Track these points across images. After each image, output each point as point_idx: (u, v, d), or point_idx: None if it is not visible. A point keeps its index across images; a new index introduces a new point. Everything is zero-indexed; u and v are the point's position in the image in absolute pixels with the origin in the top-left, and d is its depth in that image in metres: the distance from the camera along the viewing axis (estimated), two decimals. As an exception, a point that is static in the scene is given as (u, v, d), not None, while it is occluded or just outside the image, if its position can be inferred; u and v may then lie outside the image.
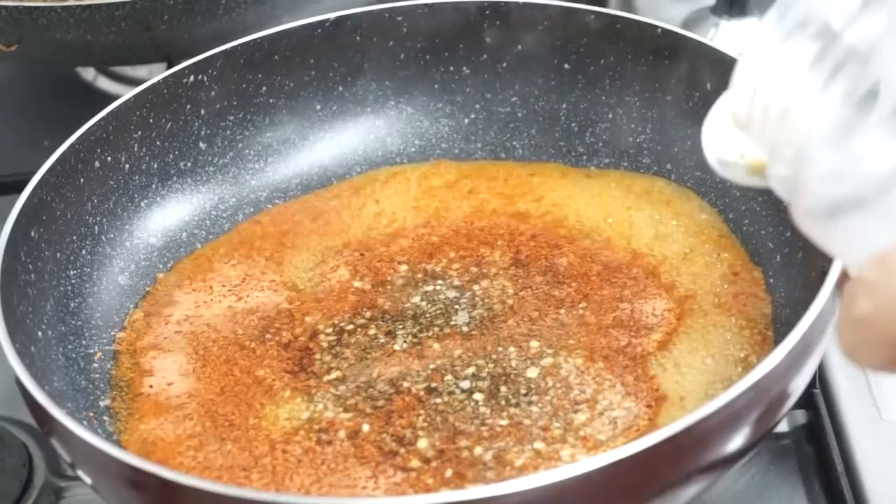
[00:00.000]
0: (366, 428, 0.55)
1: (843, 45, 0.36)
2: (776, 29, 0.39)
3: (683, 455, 0.46)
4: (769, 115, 0.39)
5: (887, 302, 0.33)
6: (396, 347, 0.60)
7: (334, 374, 0.58)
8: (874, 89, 0.36)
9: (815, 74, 0.37)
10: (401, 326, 0.61)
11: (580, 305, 0.61)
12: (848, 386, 0.62)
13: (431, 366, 0.58)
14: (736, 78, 0.41)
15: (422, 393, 0.56)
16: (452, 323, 0.61)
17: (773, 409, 0.49)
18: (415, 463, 0.53)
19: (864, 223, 0.36)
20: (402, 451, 0.53)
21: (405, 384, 0.57)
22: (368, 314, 0.62)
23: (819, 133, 0.36)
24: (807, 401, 0.61)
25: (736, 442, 0.47)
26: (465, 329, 0.60)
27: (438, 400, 0.56)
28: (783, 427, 0.62)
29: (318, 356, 0.60)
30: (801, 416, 0.62)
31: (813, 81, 0.37)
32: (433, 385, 0.57)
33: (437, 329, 0.61)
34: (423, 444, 0.54)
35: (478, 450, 0.53)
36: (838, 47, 0.36)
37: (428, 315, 0.62)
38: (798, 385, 0.50)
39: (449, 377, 0.57)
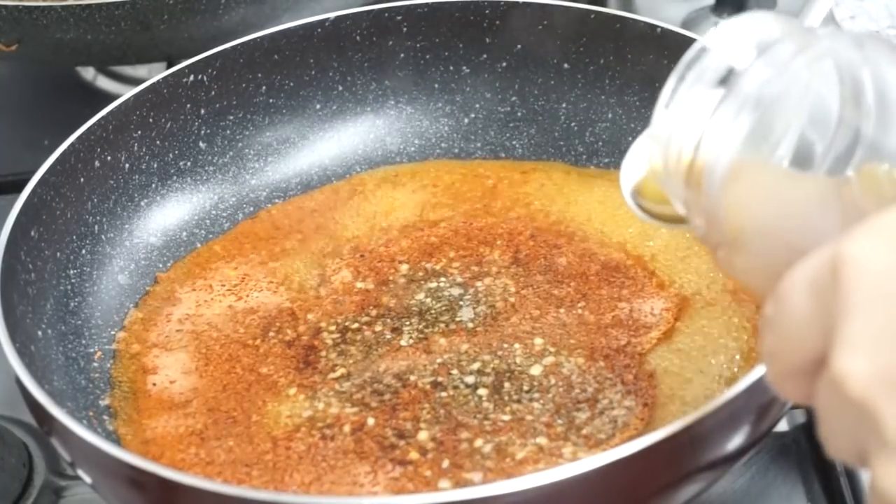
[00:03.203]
0: (371, 422, 0.55)
1: (742, 92, 0.37)
2: (684, 83, 0.40)
3: (683, 454, 0.46)
4: (681, 169, 0.40)
5: (783, 336, 0.34)
6: (403, 343, 0.60)
7: (339, 372, 0.58)
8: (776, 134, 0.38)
9: (718, 122, 0.38)
10: (407, 323, 0.61)
11: (579, 305, 0.61)
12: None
13: (438, 360, 0.58)
14: (652, 133, 0.42)
15: (428, 387, 0.57)
16: (457, 319, 0.61)
17: (773, 408, 0.49)
18: (413, 455, 0.53)
19: (769, 261, 0.38)
20: (402, 443, 0.54)
21: (412, 378, 0.57)
22: (374, 312, 0.62)
23: (721, 173, 0.37)
24: (806, 400, 0.61)
25: (735, 441, 0.48)
26: (470, 325, 0.60)
27: (444, 394, 0.56)
28: (783, 427, 0.62)
29: (323, 353, 0.60)
30: (800, 416, 0.62)
31: (716, 128, 0.38)
32: (439, 379, 0.57)
33: (442, 325, 0.61)
34: (423, 436, 0.54)
35: (478, 442, 0.53)
36: (737, 95, 0.37)
37: (433, 311, 0.62)
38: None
39: (455, 371, 0.57)
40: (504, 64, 0.74)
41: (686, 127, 0.40)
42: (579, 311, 0.61)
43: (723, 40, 0.39)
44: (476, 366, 0.58)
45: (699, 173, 0.39)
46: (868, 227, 0.32)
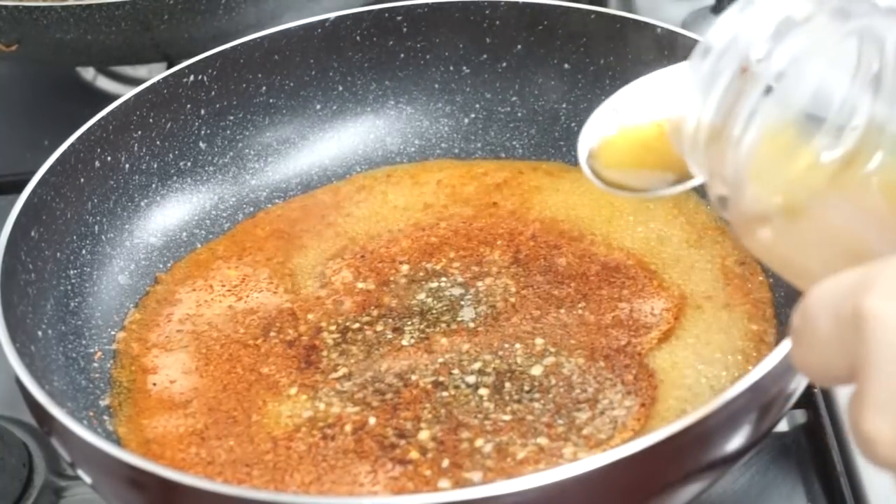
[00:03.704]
0: (372, 421, 0.55)
1: (771, 67, 0.37)
2: (704, 61, 0.40)
3: (683, 455, 0.46)
4: (702, 138, 0.40)
5: (809, 353, 0.35)
6: (404, 343, 0.60)
7: (341, 371, 0.58)
8: (806, 109, 0.38)
9: (743, 99, 0.38)
10: (408, 322, 0.61)
11: (580, 305, 0.61)
12: (847, 385, 0.62)
13: (440, 360, 0.58)
14: (673, 106, 0.42)
15: (429, 386, 0.57)
16: (459, 319, 0.61)
17: (773, 408, 0.49)
18: (413, 455, 0.53)
19: (796, 242, 0.38)
20: (402, 443, 0.54)
21: (413, 377, 0.57)
22: (375, 312, 0.62)
23: (750, 149, 0.37)
24: (807, 400, 0.61)
25: (736, 442, 0.48)
26: (471, 325, 0.60)
27: (445, 393, 0.56)
28: (783, 427, 0.62)
29: (324, 353, 0.60)
30: (801, 416, 0.62)
31: (742, 105, 0.38)
32: (440, 379, 0.57)
33: (444, 325, 0.61)
34: (423, 435, 0.54)
35: (479, 442, 0.53)
36: (766, 69, 0.37)
37: (434, 311, 0.62)
38: (798, 385, 0.50)
39: (456, 371, 0.57)
40: (504, 64, 0.74)
41: (715, 95, 0.39)
42: (580, 311, 0.61)
43: (754, 11, 0.39)
44: (477, 366, 0.58)
45: (725, 142, 0.38)
46: (888, 279, 0.32)
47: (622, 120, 0.51)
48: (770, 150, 0.38)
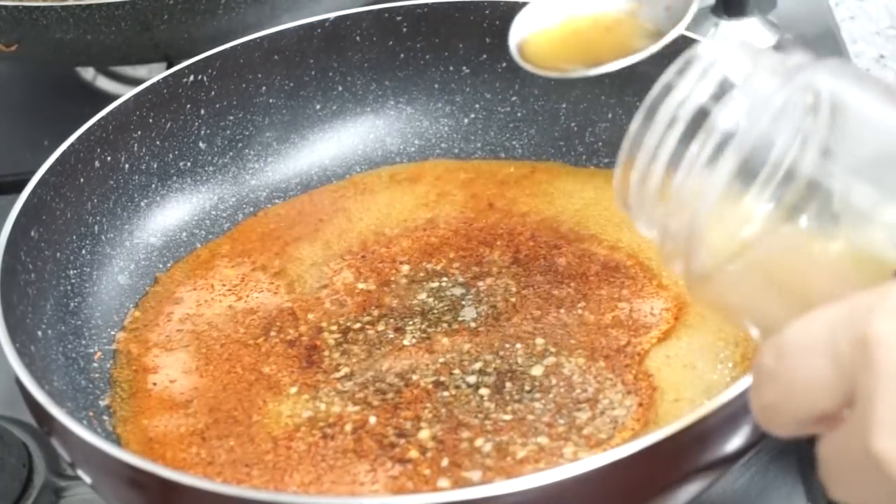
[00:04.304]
0: (372, 420, 0.55)
1: (720, 128, 0.37)
2: (654, 113, 0.40)
3: (683, 454, 0.46)
4: (651, 196, 0.40)
5: (791, 392, 0.34)
6: (406, 342, 0.60)
7: (343, 371, 0.58)
8: (758, 165, 0.38)
9: (694, 155, 0.38)
10: (410, 322, 0.61)
11: (579, 305, 0.61)
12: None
13: (441, 360, 0.58)
14: (618, 160, 0.42)
15: (430, 386, 0.57)
16: (460, 319, 0.61)
17: (774, 408, 0.49)
18: (413, 454, 0.53)
19: (752, 294, 0.38)
20: (402, 442, 0.54)
21: (414, 377, 0.57)
22: (376, 312, 0.62)
23: (705, 211, 0.37)
24: (807, 400, 0.61)
25: (736, 441, 0.48)
26: (472, 325, 0.60)
27: (445, 393, 0.56)
28: (783, 427, 0.62)
29: (326, 353, 0.60)
30: (801, 416, 0.62)
31: (692, 162, 0.38)
32: (441, 379, 0.57)
33: (445, 325, 0.61)
34: (424, 434, 0.54)
35: (479, 441, 0.53)
36: (714, 130, 0.38)
37: (436, 311, 0.62)
38: (798, 384, 0.50)
39: (457, 371, 0.58)
40: (504, 64, 0.74)
41: (655, 162, 0.40)
42: (579, 311, 0.61)
43: (698, 69, 0.39)
44: (478, 365, 0.58)
45: (676, 201, 0.39)
46: (891, 303, 0.32)
47: (559, 11, 0.52)
48: (721, 206, 0.38)
